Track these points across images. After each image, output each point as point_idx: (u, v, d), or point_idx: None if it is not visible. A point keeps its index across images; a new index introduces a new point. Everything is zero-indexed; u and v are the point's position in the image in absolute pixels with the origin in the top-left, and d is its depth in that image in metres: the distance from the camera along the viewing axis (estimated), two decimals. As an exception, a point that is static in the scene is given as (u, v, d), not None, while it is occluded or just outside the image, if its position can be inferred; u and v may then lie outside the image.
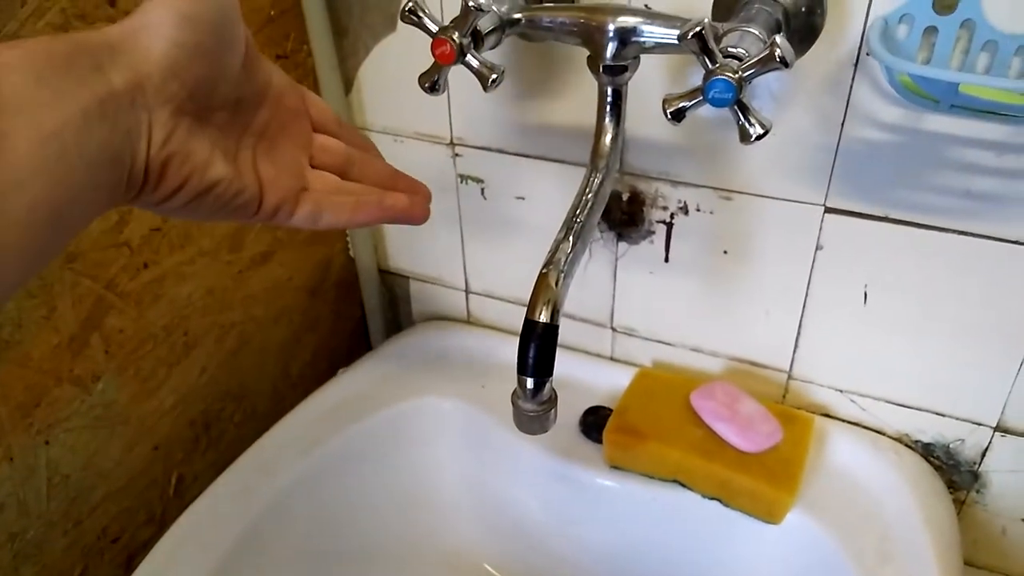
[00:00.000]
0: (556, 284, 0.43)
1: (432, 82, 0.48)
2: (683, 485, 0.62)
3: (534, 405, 0.43)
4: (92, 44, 0.30)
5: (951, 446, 0.64)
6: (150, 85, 0.31)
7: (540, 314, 0.42)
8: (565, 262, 0.44)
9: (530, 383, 0.42)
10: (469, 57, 0.46)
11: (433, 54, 0.46)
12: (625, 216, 0.66)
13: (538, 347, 0.42)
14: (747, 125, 0.41)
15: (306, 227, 0.40)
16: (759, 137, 0.41)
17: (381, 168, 0.45)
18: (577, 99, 0.62)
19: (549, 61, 0.61)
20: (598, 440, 0.65)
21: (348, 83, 0.71)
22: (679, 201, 0.63)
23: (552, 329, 0.42)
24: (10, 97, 0.27)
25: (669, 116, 0.43)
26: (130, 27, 0.32)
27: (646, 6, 0.56)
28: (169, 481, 0.69)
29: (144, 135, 0.31)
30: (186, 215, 0.36)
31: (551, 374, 0.42)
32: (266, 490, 0.63)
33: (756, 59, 0.40)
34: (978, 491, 0.65)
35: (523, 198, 0.70)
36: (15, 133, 0.26)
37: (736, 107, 0.41)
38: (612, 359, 0.75)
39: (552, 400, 0.43)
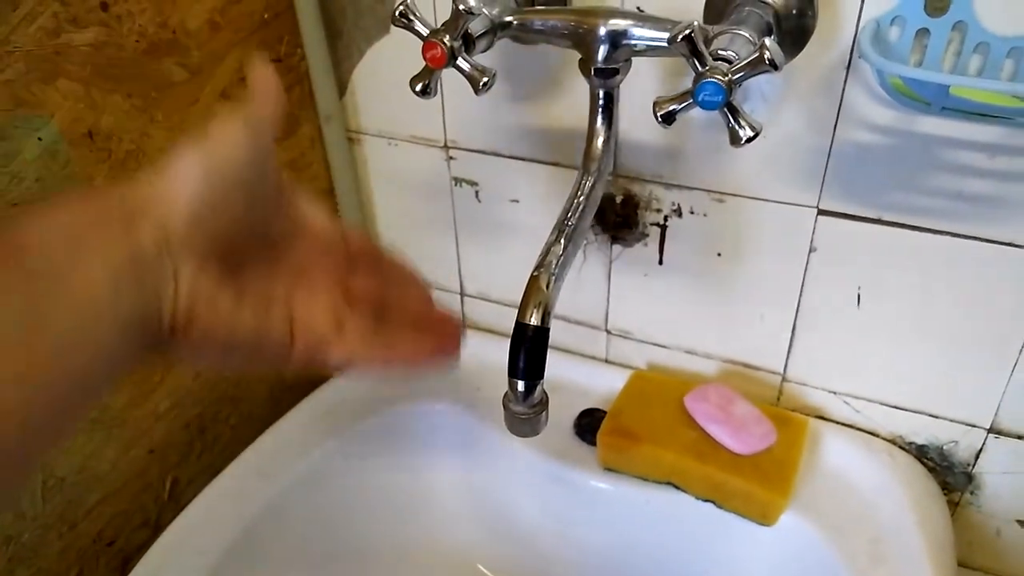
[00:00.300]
0: (547, 287, 0.43)
1: (423, 85, 0.48)
2: (677, 487, 0.62)
3: (525, 408, 0.43)
4: (123, 202, 0.31)
5: (945, 448, 0.64)
6: (175, 239, 0.32)
7: (531, 317, 0.42)
8: (556, 265, 0.44)
9: (521, 386, 0.42)
10: (460, 60, 0.46)
11: (424, 57, 0.46)
12: (619, 219, 0.66)
13: (528, 350, 0.42)
14: (737, 127, 0.41)
15: (338, 370, 0.40)
16: (749, 139, 0.42)
17: (417, 302, 0.44)
18: (571, 102, 0.62)
19: (543, 63, 0.61)
20: (592, 442, 0.65)
21: (342, 86, 0.71)
22: (673, 203, 0.63)
23: (543, 332, 0.42)
24: (47, 265, 0.28)
25: (659, 119, 0.43)
26: (159, 182, 0.32)
27: (638, 8, 0.56)
28: (164, 484, 0.69)
29: (170, 291, 0.32)
30: (218, 365, 0.35)
31: (542, 377, 0.43)
32: (262, 493, 0.63)
33: (745, 62, 0.40)
34: (972, 493, 0.65)
35: (517, 201, 0.70)
36: (53, 302, 0.27)
37: (726, 109, 0.41)
38: (607, 361, 0.75)
39: (543, 403, 0.43)
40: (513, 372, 0.42)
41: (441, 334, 0.42)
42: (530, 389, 0.42)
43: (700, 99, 0.40)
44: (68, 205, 0.30)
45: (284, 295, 0.37)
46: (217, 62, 0.62)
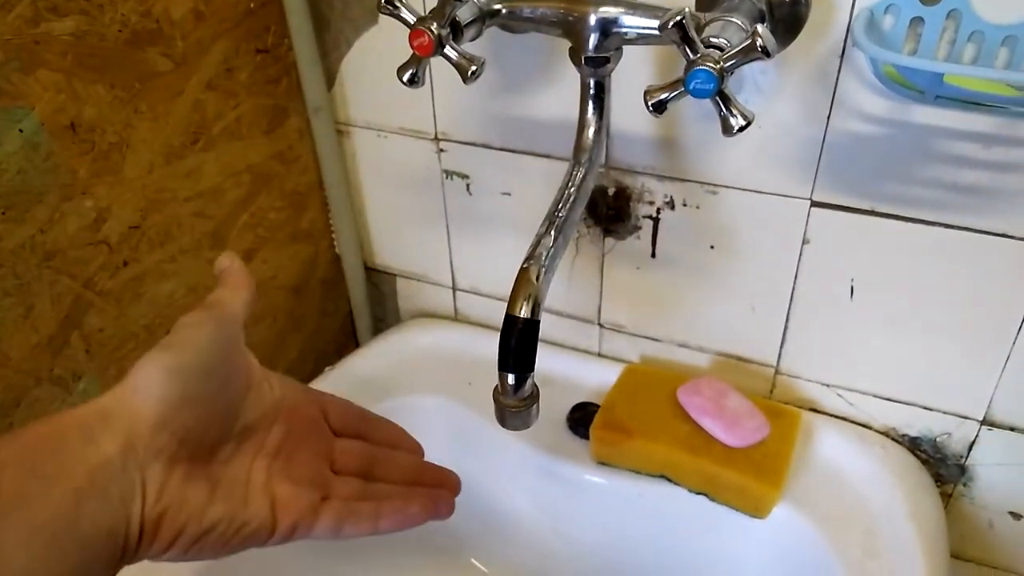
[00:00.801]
0: (537, 279, 0.43)
1: (411, 74, 0.47)
2: (670, 480, 0.62)
3: (515, 401, 0.42)
4: (84, 417, 0.32)
5: (938, 440, 0.64)
6: (140, 443, 0.32)
7: (520, 309, 0.41)
8: (546, 257, 0.44)
9: (511, 379, 0.42)
10: (448, 49, 0.45)
11: (411, 45, 0.45)
12: (611, 211, 0.66)
13: (518, 343, 0.41)
14: (729, 116, 0.41)
15: (327, 539, 0.39)
16: (741, 128, 0.41)
17: (407, 463, 0.44)
18: (562, 92, 0.62)
19: (534, 53, 0.61)
20: (585, 436, 0.65)
21: (331, 77, 0.70)
22: (665, 196, 0.63)
23: (533, 324, 0.41)
24: (5, 496, 0.28)
25: (650, 108, 0.43)
26: (121, 392, 0.33)
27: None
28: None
29: (138, 496, 0.32)
30: (192, 558, 0.35)
31: (532, 369, 0.42)
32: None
33: (737, 49, 0.39)
34: (965, 484, 0.65)
35: (509, 194, 0.70)
36: (5, 531, 0.27)
37: (718, 98, 0.41)
38: (599, 355, 0.75)
39: (534, 396, 0.43)
40: (503, 365, 0.42)
41: (435, 488, 0.43)
42: (520, 382, 0.42)
43: (691, 87, 0.39)
44: (25, 430, 0.31)
45: (263, 479, 0.37)
46: (203, 52, 0.61)
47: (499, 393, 0.42)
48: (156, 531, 0.32)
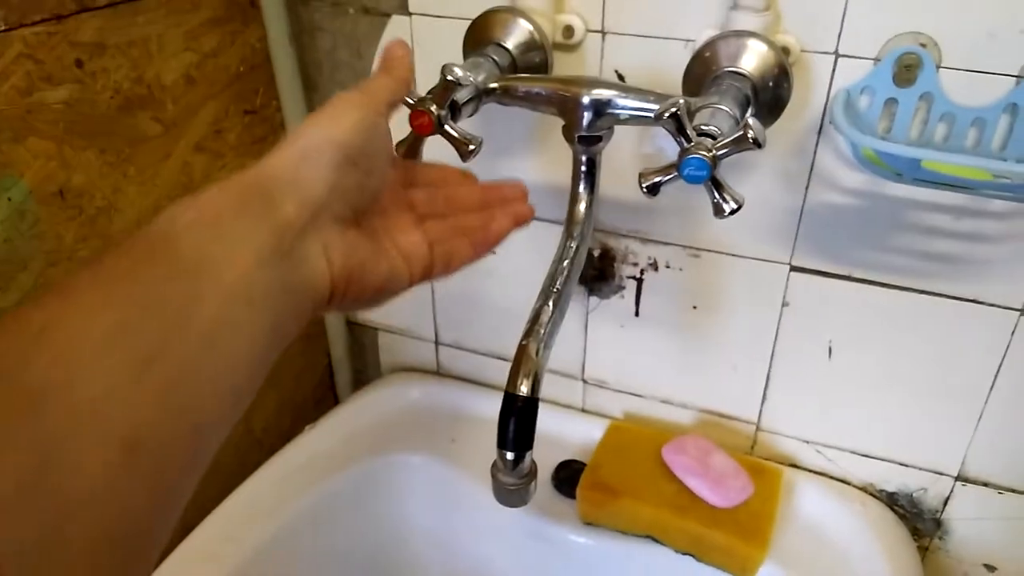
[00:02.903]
0: (536, 354, 0.43)
1: (408, 150, 0.48)
2: (657, 541, 0.63)
3: (514, 479, 0.43)
4: (261, 179, 0.33)
5: (914, 495, 0.66)
6: (319, 208, 0.33)
7: (521, 387, 0.42)
8: (545, 332, 0.44)
9: (510, 456, 0.42)
10: (447, 127, 0.46)
11: (411, 125, 0.46)
12: (596, 271, 0.67)
13: (518, 421, 0.42)
14: (721, 201, 0.42)
15: (441, 278, 0.43)
16: (732, 212, 0.42)
17: (470, 193, 0.46)
18: (550, 157, 0.63)
19: (523, 118, 0.62)
20: (571, 495, 0.65)
21: (317, 138, 0.71)
22: (649, 258, 0.64)
23: (532, 403, 0.42)
24: (191, 260, 0.28)
25: (644, 190, 0.44)
26: (290, 157, 0.34)
27: (617, 73, 0.57)
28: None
29: (322, 257, 0.34)
30: (360, 308, 0.39)
31: (531, 447, 0.43)
32: (231, 555, 0.61)
33: (730, 139, 0.41)
34: (941, 538, 0.67)
35: (494, 251, 0.70)
36: (201, 297, 0.27)
37: (710, 183, 0.42)
38: (583, 411, 0.76)
39: (532, 473, 0.43)
40: (502, 443, 0.42)
41: (507, 202, 0.45)
42: (519, 459, 0.42)
43: (686, 174, 0.41)
44: (208, 195, 0.31)
45: (392, 236, 0.40)
46: (191, 115, 0.61)
47: (498, 470, 0.43)
48: (346, 288, 0.35)
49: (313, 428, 0.74)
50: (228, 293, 0.28)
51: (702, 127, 0.43)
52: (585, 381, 0.74)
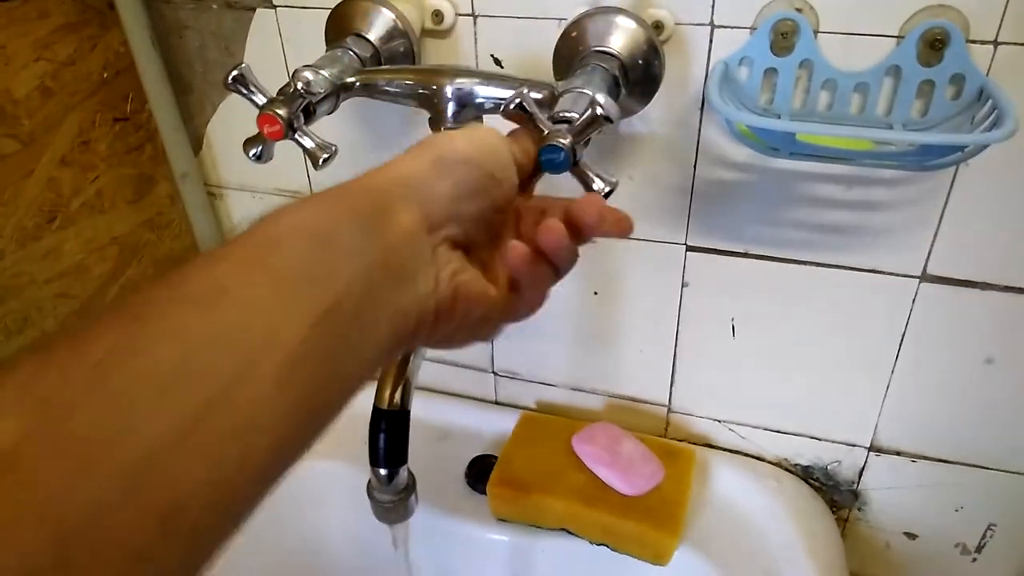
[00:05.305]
0: (407, 363, 0.41)
1: (257, 151, 0.45)
2: (571, 533, 0.61)
3: (390, 495, 0.41)
4: (380, 184, 0.30)
5: (829, 468, 0.65)
6: (435, 219, 0.30)
7: (387, 400, 0.40)
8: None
9: (383, 472, 0.40)
10: (299, 135, 0.43)
11: (259, 129, 0.43)
12: (495, 262, 0.65)
13: (389, 435, 0.40)
14: (592, 184, 0.40)
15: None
16: (607, 195, 0.41)
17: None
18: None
19: (399, 112, 0.59)
20: (484, 492, 0.63)
21: (197, 142, 0.68)
22: (546, 245, 0.62)
23: (403, 415, 0.40)
24: (294, 265, 0.25)
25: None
26: (419, 165, 0.31)
27: (493, 57, 0.55)
28: None
29: (432, 276, 0.30)
30: (459, 344, 0.34)
31: (405, 461, 0.41)
32: None
33: (581, 120, 0.39)
34: (860, 509, 0.67)
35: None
36: (286, 317, 0.24)
37: (575, 170, 0.40)
38: (496, 403, 0.74)
39: (410, 487, 0.42)
40: (374, 460, 0.40)
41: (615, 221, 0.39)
42: (393, 475, 0.41)
43: (543, 161, 0.39)
44: (314, 201, 0.28)
45: (492, 268, 0.35)
46: (53, 129, 0.58)
47: (373, 488, 0.41)
48: (451, 311, 0.31)
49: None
50: (318, 318, 0.24)
51: (561, 113, 0.41)
52: (496, 373, 0.72)
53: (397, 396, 0.40)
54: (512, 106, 0.38)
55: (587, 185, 0.40)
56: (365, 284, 0.26)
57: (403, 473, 0.41)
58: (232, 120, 0.66)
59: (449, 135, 0.34)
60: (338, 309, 0.25)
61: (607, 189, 0.41)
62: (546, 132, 0.39)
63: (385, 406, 0.40)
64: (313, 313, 0.24)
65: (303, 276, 0.25)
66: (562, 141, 0.39)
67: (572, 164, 0.40)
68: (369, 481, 0.41)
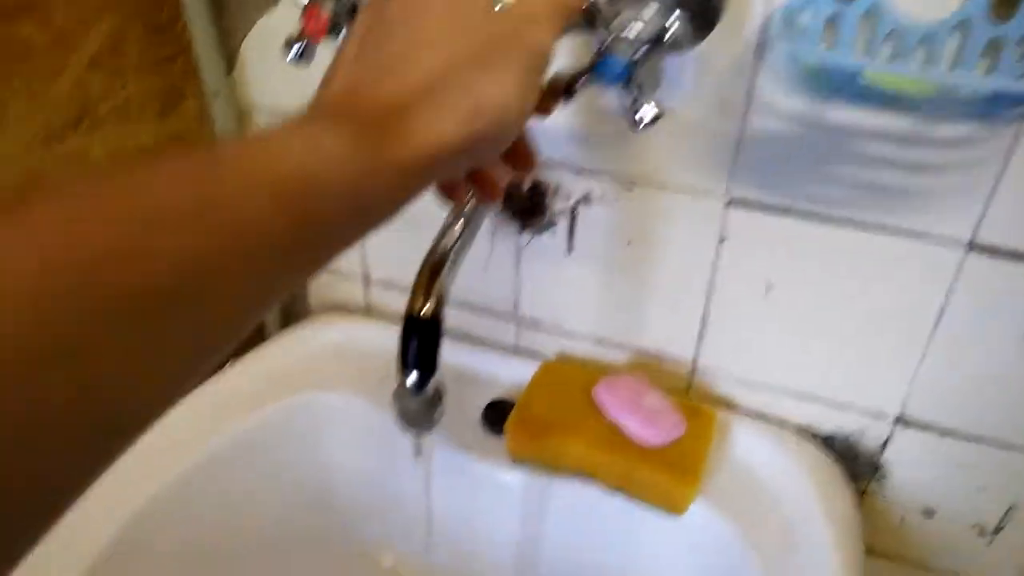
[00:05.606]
0: (441, 273, 0.40)
1: (299, 50, 0.43)
2: (587, 478, 0.60)
3: (417, 403, 0.40)
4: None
5: (852, 438, 0.64)
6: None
7: (422, 308, 0.39)
8: (452, 248, 0.41)
9: (412, 379, 0.39)
10: (342, 38, 0.42)
11: (303, 26, 0.42)
12: (528, 205, 0.64)
13: (419, 343, 0.39)
14: (639, 106, 0.39)
15: None
16: (653, 120, 0.39)
17: None
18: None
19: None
20: (501, 434, 0.62)
21: (231, 60, 0.66)
22: (582, 191, 0.61)
23: (434, 324, 0.39)
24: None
25: (559, 94, 0.40)
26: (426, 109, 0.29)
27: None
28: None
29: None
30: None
31: (435, 370, 0.40)
32: (150, 486, 0.58)
33: (649, 37, 0.37)
34: (878, 481, 0.65)
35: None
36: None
37: (628, 89, 0.39)
38: (516, 351, 0.73)
39: (438, 396, 0.40)
40: (404, 364, 0.39)
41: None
42: (423, 382, 0.39)
43: (600, 72, 0.37)
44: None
45: None
46: (85, 27, 0.56)
47: (400, 394, 0.40)
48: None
49: (236, 364, 0.71)
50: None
51: (623, 26, 0.39)
52: (518, 321, 0.71)
53: (430, 305, 0.39)
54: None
55: (634, 109, 0.39)
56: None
57: (432, 381, 0.39)
58: (268, 39, 0.64)
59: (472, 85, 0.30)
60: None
61: (655, 113, 0.40)
62: (606, 42, 0.38)
63: (417, 313, 0.38)
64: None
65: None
66: (624, 53, 0.37)
67: (627, 79, 0.38)
68: (396, 388, 0.40)
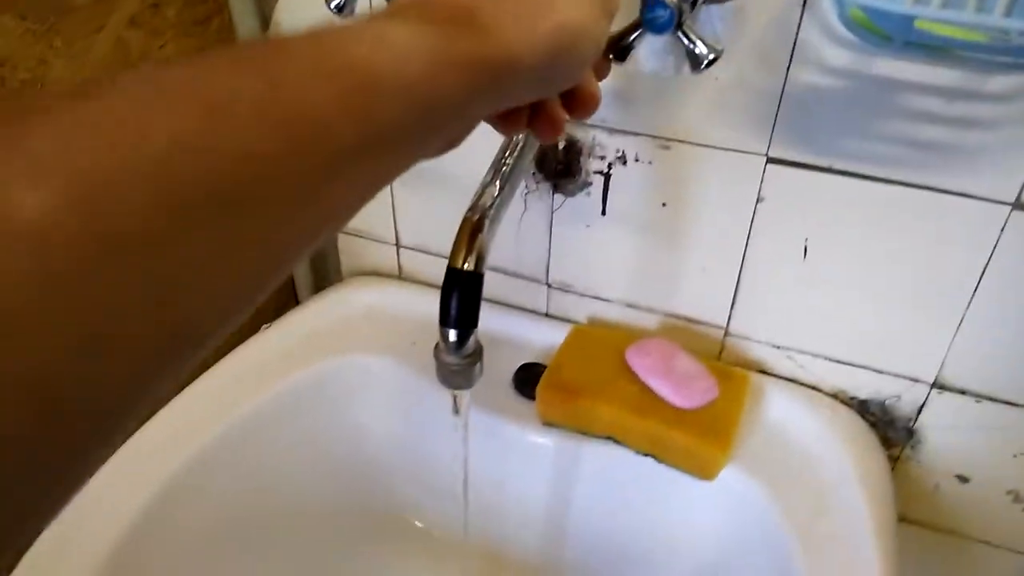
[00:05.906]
0: (482, 230, 0.40)
1: (340, 2, 0.43)
2: (617, 442, 0.60)
3: (458, 359, 0.40)
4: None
5: (887, 403, 0.63)
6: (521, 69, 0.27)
7: (463, 262, 0.39)
8: (492, 206, 0.41)
9: (453, 335, 0.39)
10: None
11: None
12: (561, 166, 0.63)
13: (461, 297, 0.39)
14: (694, 50, 0.38)
15: None
16: (711, 61, 0.39)
17: None
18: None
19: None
20: (531, 397, 0.63)
21: (265, 20, 0.66)
22: (617, 150, 0.61)
23: (476, 278, 0.39)
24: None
25: (612, 56, 0.40)
26: (516, 28, 0.28)
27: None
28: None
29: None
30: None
31: (475, 325, 0.40)
32: (182, 451, 0.59)
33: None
34: (912, 447, 0.65)
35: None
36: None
37: (680, 33, 0.38)
38: (547, 315, 0.73)
39: (477, 353, 0.41)
40: (444, 320, 0.39)
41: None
42: (463, 338, 0.39)
43: (649, 18, 0.37)
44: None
45: None
46: (125, -15, 0.56)
47: (440, 350, 0.40)
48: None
49: (270, 328, 0.71)
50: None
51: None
52: (549, 285, 0.71)
53: (473, 259, 0.39)
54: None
55: (689, 51, 0.38)
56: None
57: (472, 337, 0.39)
58: (302, 1, 0.64)
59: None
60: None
61: (711, 56, 0.39)
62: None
63: (460, 266, 0.38)
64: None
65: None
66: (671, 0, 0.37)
67: (676, 25, 0.38)
68: (437, 344, 0.40)
